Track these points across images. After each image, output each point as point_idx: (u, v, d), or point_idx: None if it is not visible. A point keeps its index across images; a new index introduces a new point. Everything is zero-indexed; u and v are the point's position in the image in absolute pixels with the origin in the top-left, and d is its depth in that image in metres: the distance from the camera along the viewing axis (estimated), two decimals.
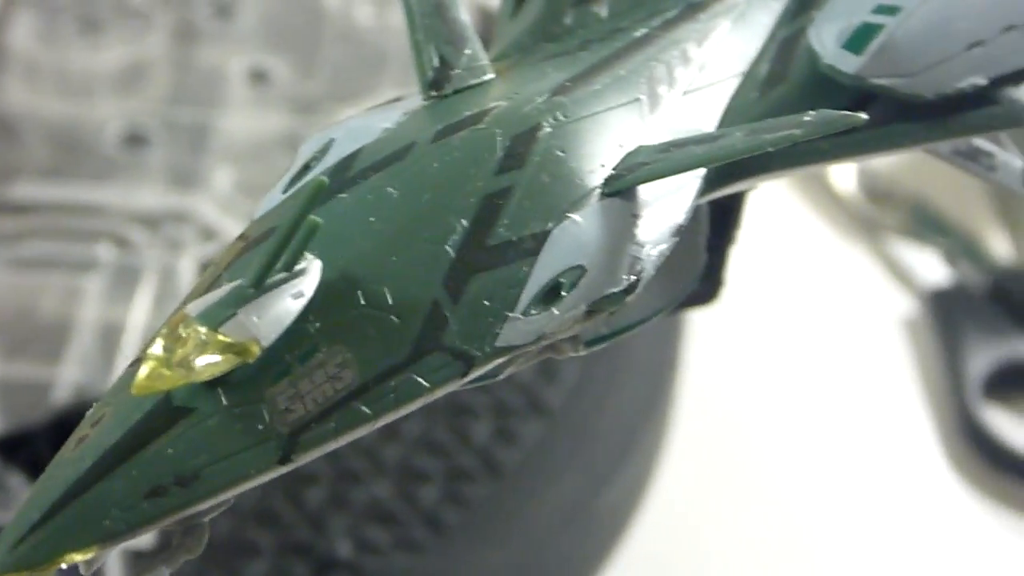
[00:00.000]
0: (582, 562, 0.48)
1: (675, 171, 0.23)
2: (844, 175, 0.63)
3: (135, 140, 0.53)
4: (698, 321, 0.53)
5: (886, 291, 0.60)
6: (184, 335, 0.20)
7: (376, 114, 0.24)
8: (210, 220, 0.50)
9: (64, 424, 0.42)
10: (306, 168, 0.24)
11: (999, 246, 0.62)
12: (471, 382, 0.23)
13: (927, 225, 0.62)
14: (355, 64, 0.57)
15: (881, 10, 0.26)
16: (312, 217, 0.20)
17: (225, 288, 0.20)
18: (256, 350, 0.20)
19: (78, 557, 0.19)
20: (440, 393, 0.22)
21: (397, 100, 0.25)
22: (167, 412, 0.20)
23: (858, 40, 0.26)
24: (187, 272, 0.48)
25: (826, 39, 0.26)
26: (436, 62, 0.24)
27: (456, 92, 0.24)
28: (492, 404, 0.46)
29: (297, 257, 0.20)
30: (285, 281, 0.20)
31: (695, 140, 0.24)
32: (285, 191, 0.24)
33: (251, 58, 0.57)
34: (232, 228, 0.50)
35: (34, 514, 0.19)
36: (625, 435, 0.48)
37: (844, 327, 0.58)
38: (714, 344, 0.55)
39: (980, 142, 0.28)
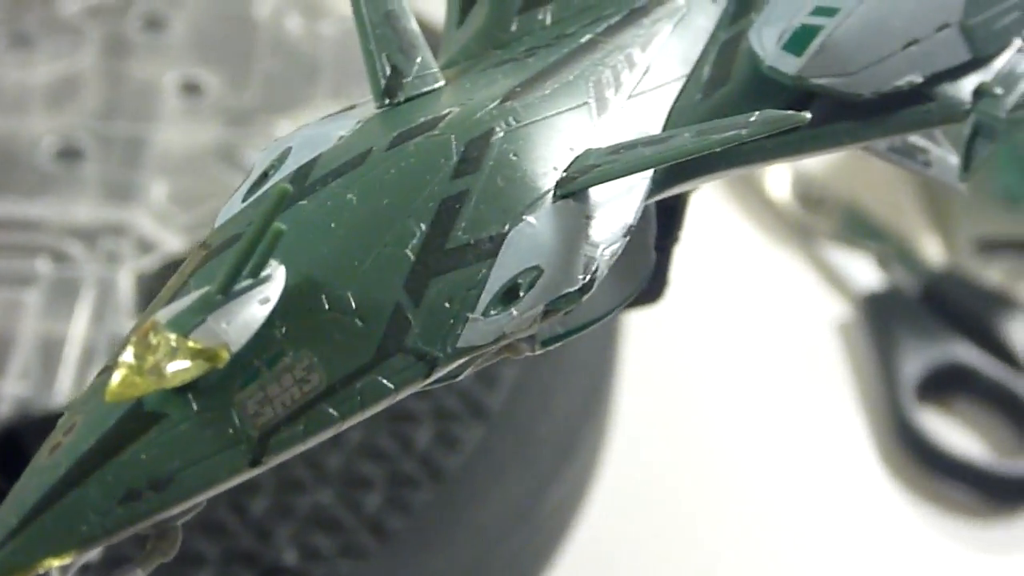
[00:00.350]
0: (527, 563, 0.48)
1: (626, 172, 0.24)
2: (778, 182, 0.64)
3: (69, 154, 0.53)
4: (635, 324, 0.54)
5: (820, 296, 0.60)
6: (154, 342, 0.20)
7: (331, 122, 0.25)
8: (147, 233, 0.50)
9: (7, 437, 0.42)
10: (264, 176, 0.24)
11: (931, 250, 0.63)
12: (434, 382, 0.23)
13: (860, 230, 0.63)
14: (288, 75, 0.57)
15: (819, 12, 0.26)
16: (276, 224, 0.20)
17: (193, 295, 0.21)
18: (225, 355, 0.20)
19: (56, 562, 0.20)
20: (404, 394, 0.22)
21: (351, 108, 0.26)
22: (139, 418, 0.20)
23: (798, 41, 0.26)
24: (126, 285, 0.48)
25: (766, 42, 0.26)
26: (388, 71, 0.25)
27: (408, 100, 0.25)
28: (432, 409, 0.46)
29: (263, 263, 0.21)
30: (251, 287, 0.21)
31: (644, 142, 0.24)
32: (244, 200, 0.24)
33: (183, 70, 0.57)
34: (170, 240, 0.50)
35: (11, 520, 0.20)
36: (566, 436, 0.48)
37: (779, 331, 0.59)
38: (651, 349, 0.56)
39: (915, 139, 0.29)
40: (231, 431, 0.21)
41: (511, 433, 0.47)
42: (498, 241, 0.23)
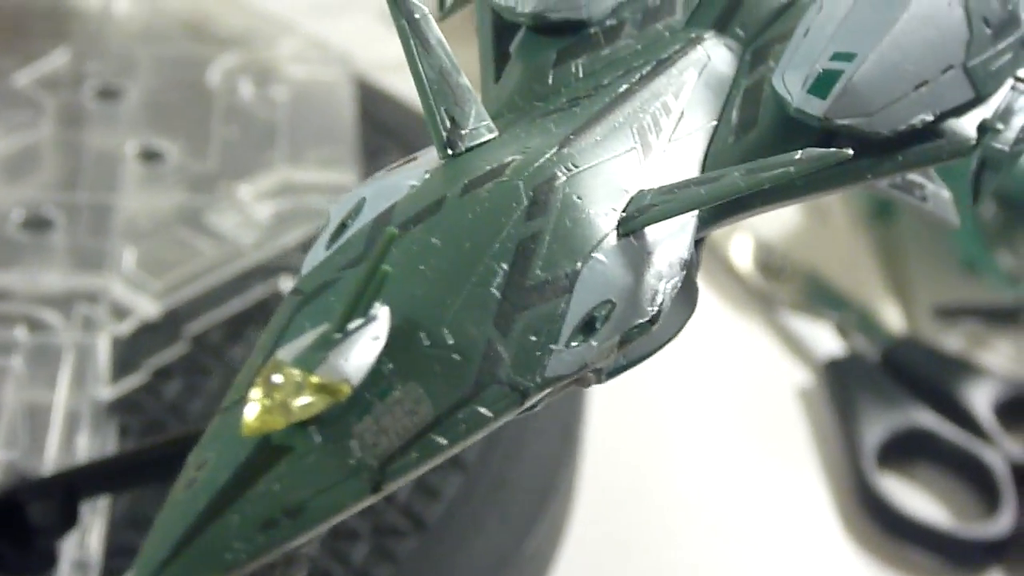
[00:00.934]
0: None
1: (683, 210, 0.26)
2: (740, 251, 0.64)
3: (37, 224, 0.53)
4: (601, 388, 0.54)
5: (782, 363, 0.61)
6: (279, 380, 0.21)
7: (399, 173, 0.26)
8: (120, 298, 0.50)
9: (6, 502, 0.42)
10: (343, 226, 0.26)
11: (891, 317, 0.63)
12: (525, 410, 0.25)
13: (820, 298, 0.63)
14: (245, 140, 0.57)
15: (838, 57, 0.28)
16: (384, 266, 0.22)
17: (310, 335, 0.22)
18: (347, 390, 0.22)
19: None
20: (502, 421, 0.24)
21: (412, 159, 0.27)
22: (268, 452, 0.22)
23: (821, 85, 0.28)
24: (103, 350, 0.49)
25: (791, 86, 0.28)
26: (448, 123, 0.26)
27: (469, 150, 0.26)
28: (372, 528, 0.47)
29: (371, 303, 0.22)
30: (363, 326, 0.22)
31: (695, 182, 0.26)
32: (328, 248, 0.25)
33: (142, 139, 0.57)
34: (144, 305, 0.50)
35: (163, 552, 0.21)
36: (541, 483, 0.49)
37: (742, 397, 0.59)
38: (616, 416, 0.56)
39: (913, 175, 0.32)
40: (352, 461, 0.22)
41: (488, 481, 0.48)
42: (573, 278, 0.25)
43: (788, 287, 0.63)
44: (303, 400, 0.21)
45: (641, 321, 0.26)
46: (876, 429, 0.56)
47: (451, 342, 0.23)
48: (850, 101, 0.28)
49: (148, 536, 0.21)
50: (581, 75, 0.29)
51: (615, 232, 0.25)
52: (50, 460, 0.45)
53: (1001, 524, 0.53)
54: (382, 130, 0.61)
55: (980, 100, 0.29)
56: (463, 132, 0.26)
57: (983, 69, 0.29)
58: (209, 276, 0.52)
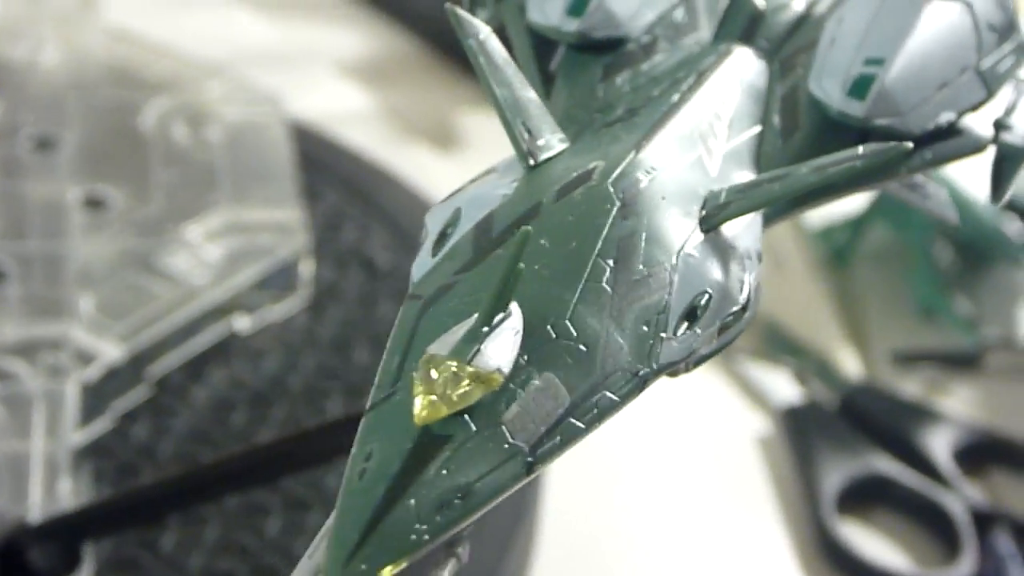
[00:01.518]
0: None
1: (759, 206, 0.28)
2: None
3: None
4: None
5: (740, 411, 0.60)
6: (436, 374, 0.23)
7: (484, 184, 0.28)
8: (84, 344, 0.51)
9: (7, 547, 0.43)
10: (444, 234, 0.27)
11: (849, 364, 0.63)
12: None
13: (778, 346, 0.63)
14: (186, 183, 0.58)
15: (870, 62, 0.30)
16: (520, 264, 0.23)
17: (460, 329, 0.23)
18: (499, 379, 0.23)
19: (392, 570, 0.23)
20: (626, 405, 0.25)
21: (492, 171, 0.29)
22: (430, 441, 0.23)
23: (859, 89, 0.30)
24: (72, 396, 0.49)
25: (831, 91, 0.31)
26: (526, 135, 0.28)
27: (548, 159, 0.28)
28: None
29: (509, 300, 0.24)
30: (503, 320, 0.24)
31: (768, 179, 0.28)
32: (433, 255, 0.27)
33: (83, 187, 0.57)
34: (108, 350, 0.50)
35: (353, 536, 0.22)
36: (501, 533, 0.49)
37: (701, 446, 0.59)
38: (575, 460, 0.55)
39: (916, 177, 0.33)
40: (507, 446, 0.24)
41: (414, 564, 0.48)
42: (671, 272, 0.26)
43: (746, 335, 0.62)
44: (462, 390, 0.23)
45: (735, 309, 0.27)
46: (835, 476, 0.56)
47: (575, 334, 0.25)
48: (885, 102, 0.30)
49: (334, 528, 0.23)
50: (628, 89, 0.31)
51: (698, 229, 0.27)
52: (35, 506, 0.45)
53: (962, 570, 0.53)
54: (315, 168, 0.62)
55: (990, 99, 0.32)
56: (540, 143, 0.28)
57: (992, 71, 0.31)
58: (167, 319, 0.52)
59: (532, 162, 0.28)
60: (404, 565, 0.23)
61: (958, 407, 0.62)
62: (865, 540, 0.55)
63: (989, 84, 0.31)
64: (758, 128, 0.31)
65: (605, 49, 0.33)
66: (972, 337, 0.64)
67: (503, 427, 0.24)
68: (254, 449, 0.43)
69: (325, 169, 0.63)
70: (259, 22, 0.86)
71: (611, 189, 0.27)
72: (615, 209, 0.26)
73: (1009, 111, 0.32)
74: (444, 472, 0.23)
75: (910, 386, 0.63)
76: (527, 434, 0.24)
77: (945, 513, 0.55)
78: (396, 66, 0.84)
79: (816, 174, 0.27)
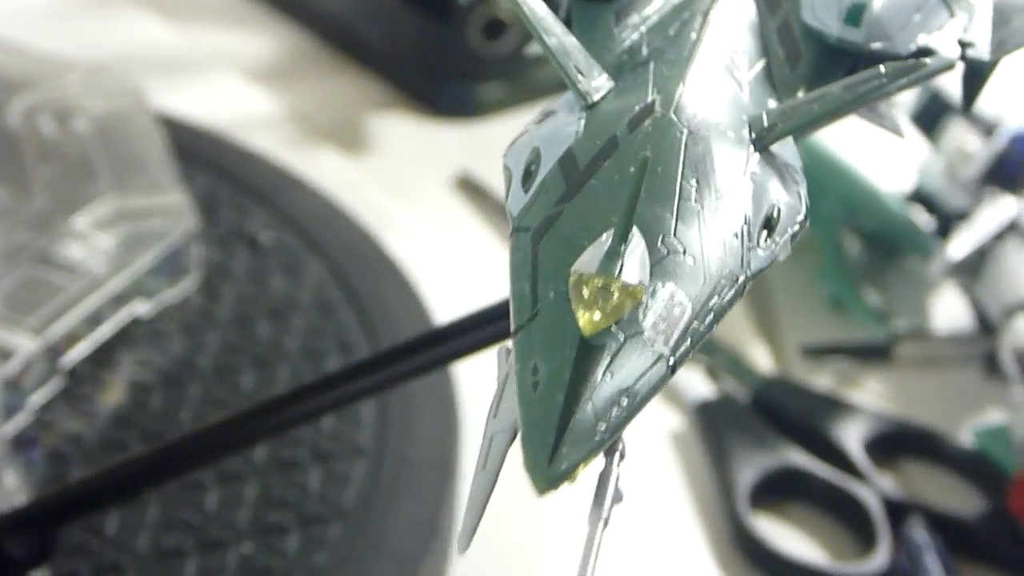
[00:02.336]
0: None
1: (804, 125, 0.30)
2: None
3: None
4: (472, 411, 0.54)
5: (653, 407, 0.59)
6: (587, 290, 0.25)
7: (550, 124, 0.30)
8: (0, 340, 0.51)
9: None
10: (528, 172, 0.29)
11: (760, 358, 0.63)
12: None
13: None
14: (65, 176, 0.59)
15: None
16: (642, 188, 0.25)
17: (598, 249, 0.25)
18: (643, 290, 0.25)
19: (583, 467, 0.25)
20: (731, 308, 0.27)
21: (551, 113, 0.30)
22: (589, 351, 0.25)
23: (853, 16, 0.33)
24: None
25: (827, 20, 0.33)
26: (580, 77, 0.30)
27: (603, 98, 0.30)
28: (296, 517, 0.49)
29: (633, 220, 0.25)
30: (631, 239, 0.25)
31: (806, 101, 0.30)
32: (525, 191, 0.29)
33: None
34: (24, 343, 0.51)
35: (549, 439, 0.24)
36: (439, 459, 0.52)
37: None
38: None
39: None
40: (650, 351, 0.25)
41: (390, 461, 0.52)
42: (744, 189, 0.28)
43: None
44: (614, 302, 0.25)
45: (801, 217, 0.29)
46: (749, 470, 0.55)
47: (681, 249, 0.26)
48: (877, 27, 0.33)
49: (524, 435, 0.25)
50: (643, 30, 0.33)
51: (753, 150, 0.29)
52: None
53: (877, 561, 0.52)
54: (181, 154, 0.62)
55: (951, 19, 0.34)
56: (594, 84, 0.30)
57: None
58: (76, 308, 0.53)
59: (590, 100, 0.30)
60: (591, 461, 0.25)
61: (870, 399, 0.62)
62: (780, 533, 0.54)
63: (950, 5, 0.34)
64: (764, 59, 0.33)
65: None
66: (882, 329, 0.65)
67: (645, 334, 0.25)
68: (219, 423, 0.44)
69: (190, 154, 0.64)
70: (162, 27, 0.85)
71: (675, 118, 0.29)
72: (685, 136, 0.28)
73: (966, 30, 0.34)
74: (609, 376, 0.25)
75: (822, 379, 0.63)
76: (665, 338, 0.26)
77: (859, 504, 0.55)
78: (300, 68, 0.83)
79: (849, 92, 0.29)
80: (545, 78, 0.82)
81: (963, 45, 0.34)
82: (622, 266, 0.25)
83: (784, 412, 0.59)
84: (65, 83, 0.64)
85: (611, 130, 0.29)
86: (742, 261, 0.28)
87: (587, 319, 0.25)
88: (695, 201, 0.27)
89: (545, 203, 0.28)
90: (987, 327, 0.62)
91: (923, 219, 0.68)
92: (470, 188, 0.73)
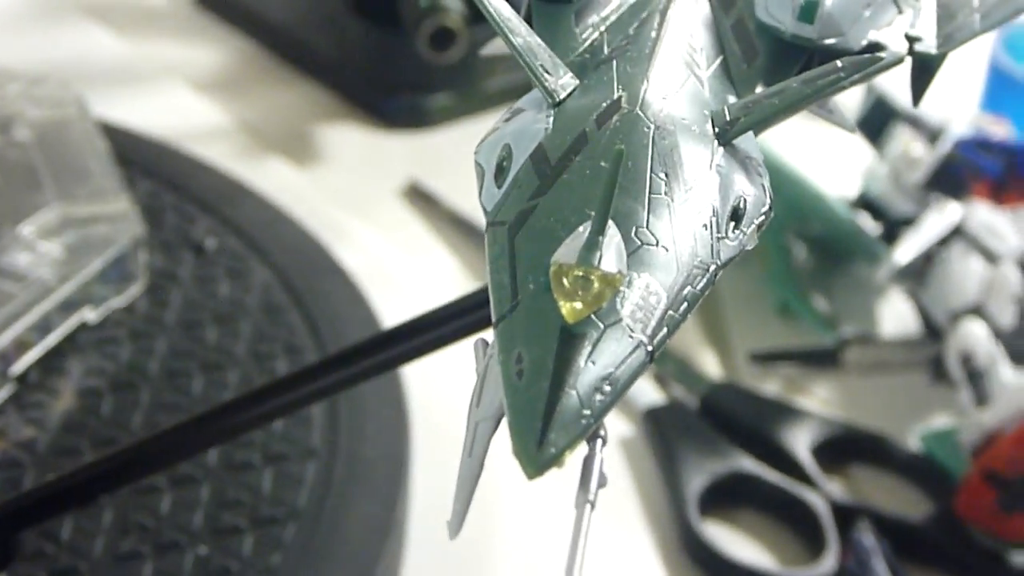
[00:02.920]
0: None
1: (765, 119, 0.30)
2: None
3: None
4: (421, 418, 0.55)
5: None
6: (567, 280, 0.25)
7: (519, 121, 0.30)
8: None
9: None
10: (501, 167, 0.30)
11: (708, 364, 0.63)
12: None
13: None
14: (11, 185, 0.59)
15: None
16: (616, 181, 0.25)
17: (576, 240, 0.26)
18: (621, 279, 0.25)
19: (569, 453, 0.25)
20: (704, 295, 0.28)
21: (519, 111, 0.31)
22: (571, 339, 0.25)
23: (807, 14, 0.34)
24: None
25: (781, 17, 0.34)
26: (547, 76, 0.30)
27: (569, 95, 0.30)
28: (251, 519, 0.49)
29: (608, 212, 0.26)
30: (608, 230, 0.26)
31: (766, 95, 0.30)
32: (499, 186, 0.29)
33: None
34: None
35: (537, 424, 0.25)
36: (391, 453, 0.53)
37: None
38: (437, 465, 0.54)
39: None
40: (630, 338, 0.26)
41: (342, 460, 0.52)
42: (711, 181, 0.29)
43: None
44: (595, 292, 0.25)
45: (765, 208, 0.30)
46: (698, 476, 0.55)
47: (654, 240, 0.27)
48: (830, 24, 0.34)
49: (512, 422, 0.25)
50: (603, 29, 0.34)
51: (717, 144, 0.30)
52: None
53: (826, 566, 0.53)
54: (123, 162, 0.62)
55: (899, 15, 0.35)
56: (560, 83, 0.30)
57: None
58: (26, 315, 0.53)
59: (557, 98, 0.30)
60: (577, 446, 0.25)
61: (817, 404, 0.62)
62: (729, 539, 0.54)
63: (898, 2, 0.35)
64: (722, 56, 0.34)
65: None
66: (830, 334, 0.65)
67: (623, 322, 0.26)
68: (176, 426, 0.43)
69: (132, 162, 0.64)
70: (112, 38, 0.85)
71: (642, 114, 0.29)
72: (651, 131, 0.29)
73: (913, 25, 0.35)
74: (592, 364, 0.25)
75: (770, 385, 0.63)
76: (643, 326, 0.26)
77: (807, 509, 0.55)
78: (248, 78, 0.83)
79: (808, 86, 0.30)
80: (493, 87, 0.82)
81: (911, 40, 0.35)
82: (601, 256, 0.25)
83: (733, 418, 0.59)
84: (5, 93, 0.63)
85: (580, 126, 0.29)
86: (712, 251, 0.29)
87: (569, 308, 0.26)
88: (665, 194, 0.28)
89: (519, 197, 0.29)
90: (933, 332, 0.63)
91: (869, 225, 0.69)
92: (419, 197, 0.72)
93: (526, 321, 0.26)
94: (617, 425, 0.59)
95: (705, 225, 0.29)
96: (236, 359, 0.56)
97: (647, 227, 0.28)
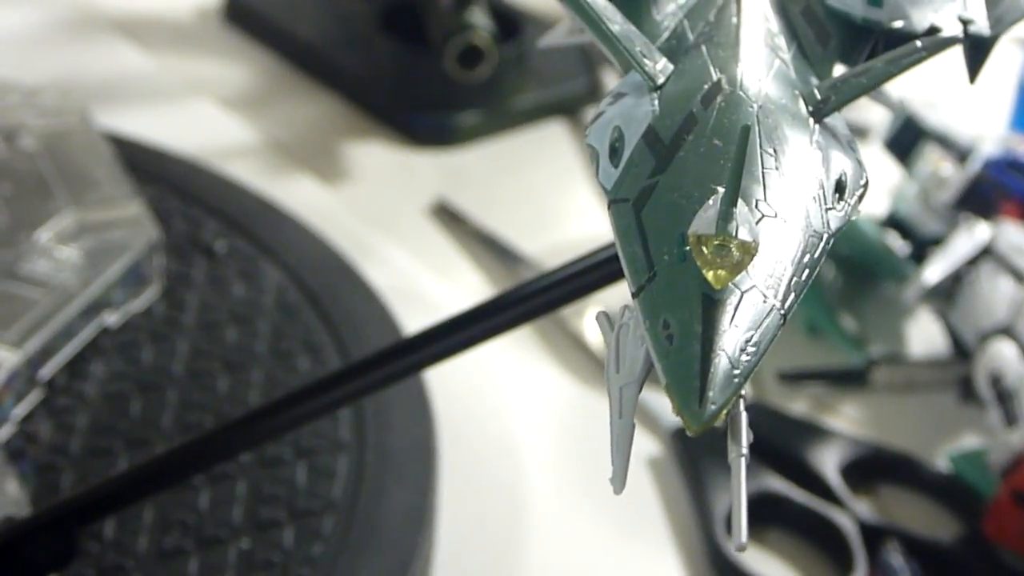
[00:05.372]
0: None
1: (854, 97, 0.31)
2: (591, 326, 0.64)
3: None
4: (449, 443, 0.55)
5: None
6: (706, 249, 0.27)
7: (624, 104, 0.31)
8: None
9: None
10: (614, 149, 0.31)
11: None
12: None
13: None
14: (21, 194, 0.59)
15: None
16: (745, 155, 0.27)
17: (710, 211, 0.27)
18: (756, 248, 0.27)
19: (727, 410, 0.26)
20: (822, 262, 0.29)
21: (619, 95, 0.32)
22: (713, 304, 0.27)
23: None
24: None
25: (851, 3, 0.36)
26: (644, 61, 0.31)
27: (668, 78, 0.31)
28: (289, 512, 0.50)
29: (740, 187, 0.27)
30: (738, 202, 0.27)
31: (853, 74, 0.32)
32: (615, 166, 0.30)
33: None
34: (6, 356, 0.51)
35: (694, 385, 0.26)
36: (420, 446, 0.54)
37: (592, 469, 0.58)
38: (470, 483, 0.55)
39: None
40: (764, 302, 0.27)
41: (372, 452, 0.53)
42: (814, 156, 0.30)
43: None
44: (734, 259, 0.27)
45: (863, 181, 0.31)
46: (725, 496, 0.55)
47: (773, 212, 0.28)
48: (897, 7, 0.35)
49: (670, 384, 0.26)
50: (682, 16, 0.35)
51: (813, 121, 0.31)
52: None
53: None
54: (127, 168, 0.63)
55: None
56: (659, 67, 0.32)
57: None
58: (53, 321, 0.53)
59: (658, 82, 0.31)
60: (732, 403, 0.27)
61: (846, 424, 0.62)
62: (757, 559, 0.54)
63: None
64: (796, 40, 0.35)
65: None
66: (858, 354, 0.65)
67: (758, 288, 0.27)
68: (226, 425, 0.45)
69: (137, 168, 0.64)
70: (138, 54, 0.85)
71: (744, 95, 0.30)
72: (755, 110, 0.30)
73: (965, 8, 0.36)
74: (736, 327, 0.27)
75: (798, 404, 0.63)
76: (774, 292, 0.27)
77: (836, 529, 0.55)
78: (276, 94, 0.83)
79: (893, 65, 0.31)
80: (520, 106, 0.82)
81: (964, 23, 0.36)
82: (737, 226, 0.27)
83: (761, 438, 0.58)
84: (7, 103, 0.64)
85: (687, 107, 0.30)
86: (823, 221, 0.30)
87: (714, 275, 0.27)
88: (776, 168, 0.29)
89: (638, 176, 0.30)
90: (962, 352, 0.63)
91: (898, 244, 0.68)
92: (446, 215, 0.73)
93: (668, 289, 0.28)
94: (645, 444, 0.59)
95: (814, 197, 0.30)
96: (258, 357, 0.57)
97: (765, 200, 0.29)
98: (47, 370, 0.53)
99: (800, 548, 0.55)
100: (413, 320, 0.60)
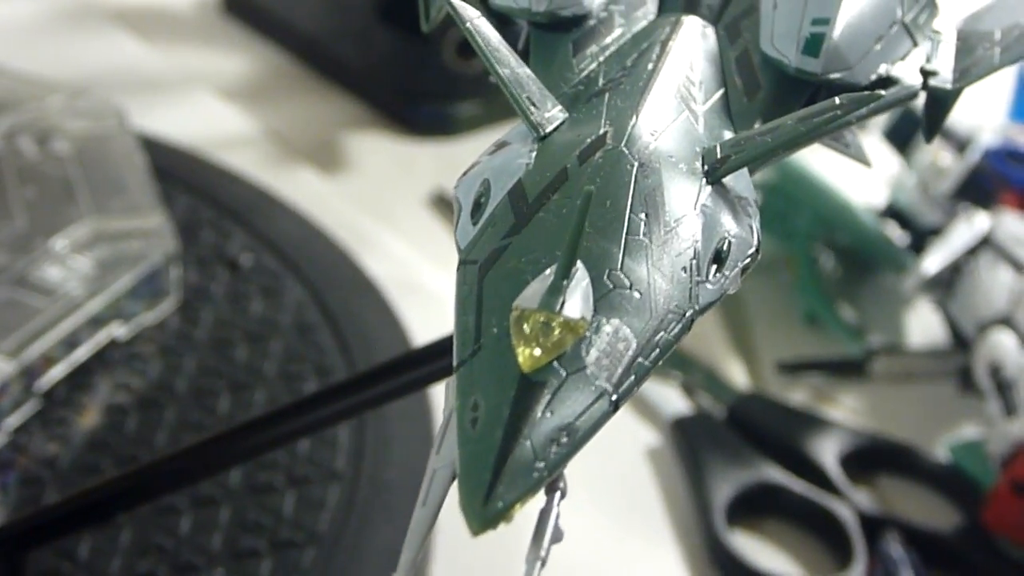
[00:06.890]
0: None
1: (757, 157, 0.29)
2: None
3: None
4: None
5: (630, 424, 0.60)
6: (527, 326, 0.24)
7: (503, 156, 0.29)
8: None
9: None
10: (478, 204, 0.29)
11: (735, 374, 0.63)
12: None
13: (667, 360, 0.62)
14: (45, 198, 0.59)
15: (817, 22, 0.33)
16: (586, 223, 0.25)
17: (540, 284, 0.25)
18: (584, 325, 0.25)
19: (520, 506, 0.24)
20: (678, 342, 0.27)
21: (504, 144, 0.30)
22: (529, 387, 0.25)
23: (812, 47, 0.33)
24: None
25: (785, 50, 0.33)
26: (533, 109, 0.29)
27: (555, 129, 0.30)
28: (270, 542, 0.49)
29: (577, 255, 0.25)
30: (575, 274, 0.25)
31: (759, 133, 0.29)
32: (474, 223, 0.29)
33: None
34: (2, 367, 0.51)
35: (485, 476, 0.24)
36: (415, 482, 0.51)
37: (591, 459, 0.57)
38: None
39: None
40: (593, 387, 0.25)
41: (365, 485, 0.51)
42: (695, 222, 0.28)
43: None
44: (555, 338, 0.24)
45: (752, 251, 0.29)
46: (725, 486, 0.55)
47: (627, 283, 0.26)
48: (836, 58, 0.33)
49: (461, 474, 0.24)
50: (600, 61, 0.33)
51: (706, 182, 0.29)
52: None
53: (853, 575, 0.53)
54: (162, 176, 0.62)
55: (914, 48, 0.35)
56: (546, 115, 0.30)
57: (914, 23, 0.35)
58: (52, 331, 0.53)
59: (542, 132, 0.29)
60: (528, 500, 0.24)
61: (845, 414, 0.62)
62: (756, 549, 0.54)
63: (913, 35, 0.34)
64: (722, 89, 0.33)
65: (570, 27, 0.34)
66: (857, 344, 0.65)
67: (587, 370, 0.25)
68: (193, 446, 0.43)
69: (172, 176, 0.64)
70: (140, 46, 0.85)
71: (626, 151, 0.28)
72: (635, 169, 0.28)
73: (930, 59, 0.35)
74: (549, 414, 0.25)
75: (797, 394, 0.63)
76: (608, 374, 0.25)
77: (835, 520, 0.55)
78: (276, 87, 0.83)
79: (803, 124, 0.29)
80: None
81: (926, 74, 0.34)
82: (564, 301, 0.25)
83: (760, 428, 0.59)
84: (46, 105, 0.64)
85: (562, 162, 0.28)
86: (690, 295, 0.27)
87: (527, 355, 0.24)
88: (644, 235, 0.27)
89: (493, 236, 0.28)
90: (961, 342, 0.63)
91: (897, 234, 0.68)
92: (446, 206, 0.73)
93: (486, 367, 0.25)
94: (644, 435, 0.59)
95: (685, 268, 0.27)
96: (265, 379, 0.56)
97: (621, 270, 0.26)
98: (46, 380, 0.52)
99: (799, 538, 0.55)
100: (413, 311, 0.60)
